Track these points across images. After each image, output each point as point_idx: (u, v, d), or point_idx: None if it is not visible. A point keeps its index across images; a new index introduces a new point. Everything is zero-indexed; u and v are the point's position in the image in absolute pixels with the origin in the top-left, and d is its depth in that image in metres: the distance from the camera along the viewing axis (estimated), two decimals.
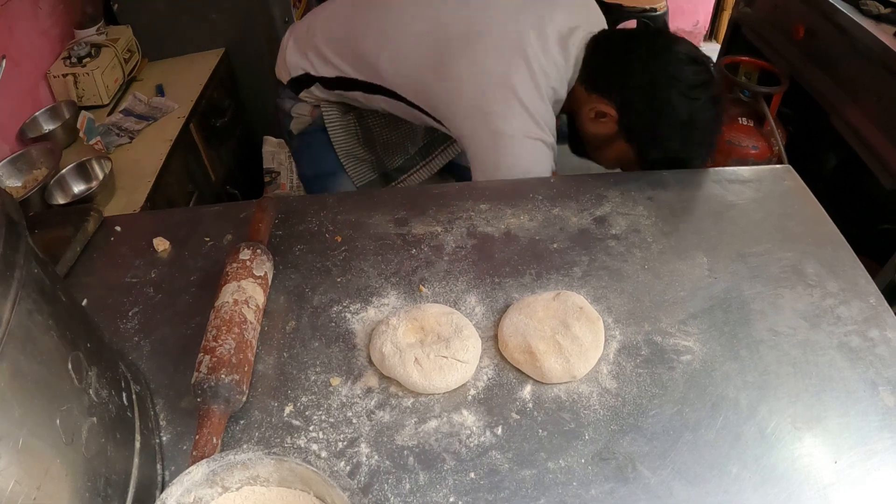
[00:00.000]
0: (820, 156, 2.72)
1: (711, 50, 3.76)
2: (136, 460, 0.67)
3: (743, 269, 0.94)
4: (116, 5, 2.15)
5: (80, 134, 1.80)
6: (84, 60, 1.94)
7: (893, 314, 0.88)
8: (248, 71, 2.37)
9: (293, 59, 1.37)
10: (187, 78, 2.13)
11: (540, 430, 0.73)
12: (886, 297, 0.91)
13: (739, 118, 2.55)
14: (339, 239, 0.99)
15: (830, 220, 1.04)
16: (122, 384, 0.70)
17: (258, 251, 0.88)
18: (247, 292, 0.82)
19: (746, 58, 2.66)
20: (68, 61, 1.95)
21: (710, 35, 4.17)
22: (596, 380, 0.78)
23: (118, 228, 1.06)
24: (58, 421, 0.55)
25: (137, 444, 0.69)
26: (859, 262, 0.96)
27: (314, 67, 1.33)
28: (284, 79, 1.41)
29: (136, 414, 0.71)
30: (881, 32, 2.12)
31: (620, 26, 3.36)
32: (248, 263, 0.86)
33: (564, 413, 0.74)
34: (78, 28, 2.07)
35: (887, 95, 2.08)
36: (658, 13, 3.15)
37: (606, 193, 1.09)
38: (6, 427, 0.50)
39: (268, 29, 2.27)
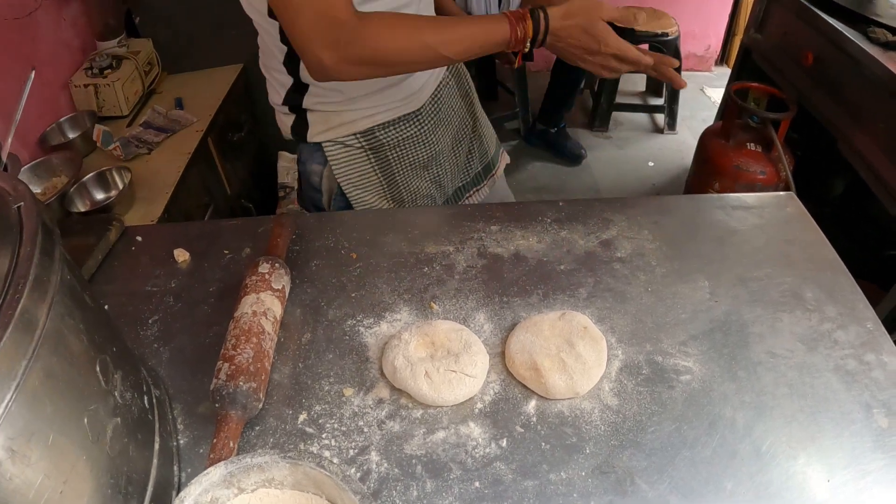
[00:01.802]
0: (827, 181, 2.75)
1: (723, 74, 3.81)
2: (155, 461, 0.70)
3: (743, 293, 0.97)
4: (138, 18, 2.21)
5: (98, 145, 1.85)
6: (105, 72, 1.99)
7: (890, 339, 0.91)
8: (264, 87, 2.40)
9: (278, 91, 1.24)
10: (206, 92, 2.18)
11: (543, 444, 0.75)
12: (890, 322, 0.93)
13: (748, 143, 2.58)
14: (355, 256, 1.03)
15: (831, 247, 1.07)
16: (144, 388, 0.74)
17: (276, 265, 0.91)
18: (265, 304, 0.86)
19: (755, 84, 2.70)
20: (90, 72, 2.00)
21: (722, 59, 4.22)
22: (598, 397, 0.81)
23: (139, 238, 1.10)
24: (85, 420, 0.59)
25: (157, 446, 0.72)
26: (858, 288, 0.99)
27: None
28: (287, 128, 1.27)
29: (156, 417, 0.74)
30: (888, 60, 2.14)
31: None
32: (266, 277, 0.89)
33: (567, 428, 0.77)
34: (100, 39, 2.13)
35: (894, 123, 2.11)
36: (670, 37, 3.19)
37: (613, 218, 1.12)
38: (38, 424, 0.53)
39: None
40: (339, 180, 1.25)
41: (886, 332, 0.92)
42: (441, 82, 1.30)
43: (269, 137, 2.56)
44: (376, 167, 1.27)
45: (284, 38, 1.08)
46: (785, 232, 1.10)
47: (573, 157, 3.37)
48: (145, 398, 0.73)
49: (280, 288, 0.90)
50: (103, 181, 1.72)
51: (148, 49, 2.15)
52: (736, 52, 3.12)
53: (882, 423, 0.79)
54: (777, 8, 2.72)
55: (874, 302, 0.99)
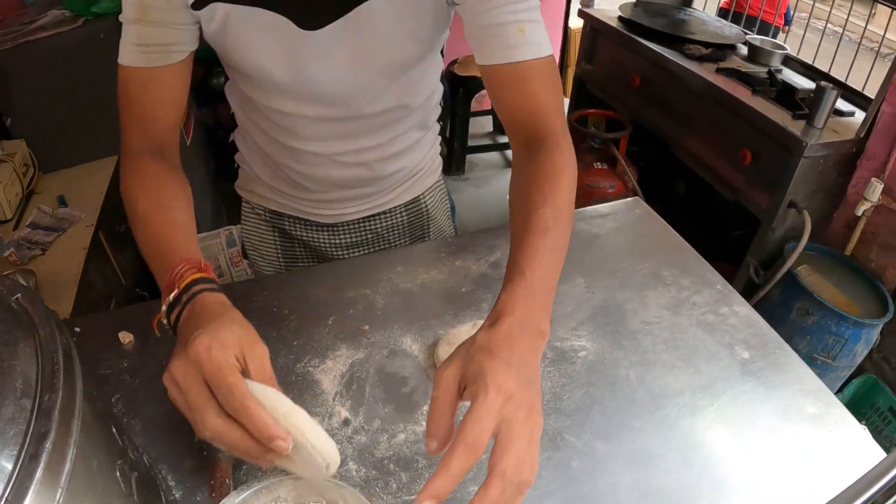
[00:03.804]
0: (671, 183, 3.11)
1: None
2: None
3: (614, 282, 1.19)
4: (9, 120, 2.21)
5: None
6: None
7: (738, 294, 1.16)
8: None
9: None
10: (87, 187, 2.21)
11: None
12: (746, 293, 1.18)
13: (594, 163, 2.89)
14: (287, 311, 1.14)
15: (677, 234, 1.33)
16: (140, 449, 0.84)
17: None
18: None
19: (593, 110, 3.03)
20: None
21: None
22: None
23: (77, 329, 1.17)
24: (117, 473, 0.69)
25: (164, 498, 0.82)
26: (704, 261, 1.25)
27: None
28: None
29: (156, 474, 0.84)
30: (704, 71, 2.51)
31: (478, 95, 3.71)
32: None
33: None
34: None
35: (717, 123, 2.46)
36: None
37: (495, 243, 1.31)
38: (91, 475, 0.63)
39: None
40: (243, 237, 1.30)
41: (734, 290, 1.17)
42: (383, 213, 1.30)
43: None
44: (279, 247, 1.30)
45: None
46: (637, 229, 1.35)
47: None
48: (144, 457, 0.83)
49: None
50: None
51: (23, 150, 2.15)
52: (571, 84, 3.48)
53: (744, 356, 1.04)
54: (603, 40, 3.07)
55: (730, 278, 1.24)
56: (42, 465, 0.54)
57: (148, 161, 0.93)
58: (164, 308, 0.79)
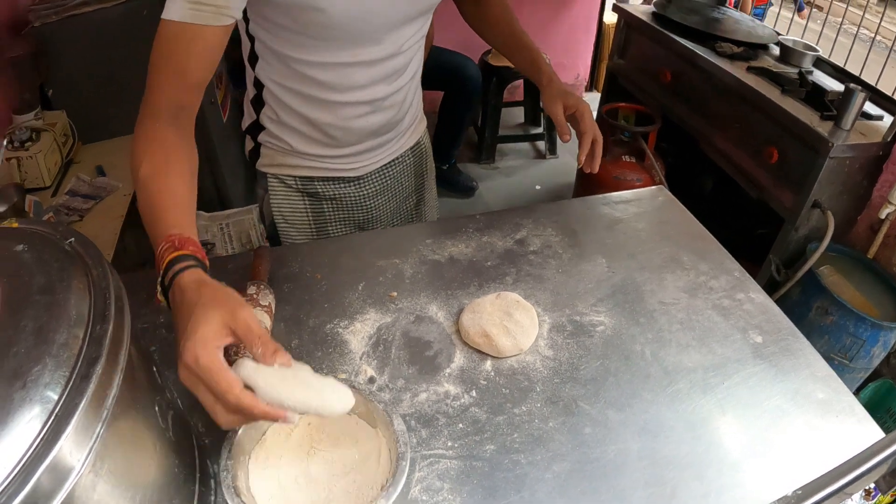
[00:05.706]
0: (698, 180, 3.11)
1: (593, 99, 4.20)
2: (196, 453, 0.86)
3: (634, 263, 1.22)
4: (51, 91, 2.28)
5: (30, 216, 1.92)
6: (26, 144, 2.05)
7: (755, 281, 1.18)
8: None
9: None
10: (124, 158, 2.26)
11: (504, 389, 0.96)
12: (766, 291, 1.19)
13: (623, 156, 2.90)
14: (319, 276, 1.19)
15: (698, 222, 1.35)
16: (175, 394, 0.89)
17: (262, 286, 1.08)
18: (256, 318, 1.02)
19: (624, 104, 3.03)
20: (10, 145, 2.06)
21: (591, 86, 4.63)
22: (537, 351, 1.03)
23: None
24: (156, 408, 0.74)
25: (195, 441, 0.87)
26: (723, 249, 1.27)
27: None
28: (247, 151, 1.39)
29: (189, 418, 0.89)
30: (735, 69, 2.51)
31: (510, 86, 3.74)
32: (254, 296, 1.05)
33: (518, 376, 0.99)
34: (16, 113, 2.18)
35: (745, 121, 2.45)
36: None
37: (522, 221, 1.35)
38: (131, 403, 0.68)
39: None
40: (273, 211, 1.39)
41: (751, 277, 1.19)
42: (397, 158, 1.44)
43: None
44: (310, 211, 1.41)
45: (257, 82, 1.24)
46: (659, 215, 1.37)
47: (466, 190, 3.64)
48: (179, 401, 0.88)
49: (267, 304, 1.06)
50: None
51: (63, 120, 2.22)
52: (603, 78, 3.48)
53: (757, 340, 1.06)
54: (636, 35, 3.07)
55: (751, 276, 1.25)
56: (92, 385, 0.59)
57: (161, 126, 0.95)
58: (158, 288, 0.85)
